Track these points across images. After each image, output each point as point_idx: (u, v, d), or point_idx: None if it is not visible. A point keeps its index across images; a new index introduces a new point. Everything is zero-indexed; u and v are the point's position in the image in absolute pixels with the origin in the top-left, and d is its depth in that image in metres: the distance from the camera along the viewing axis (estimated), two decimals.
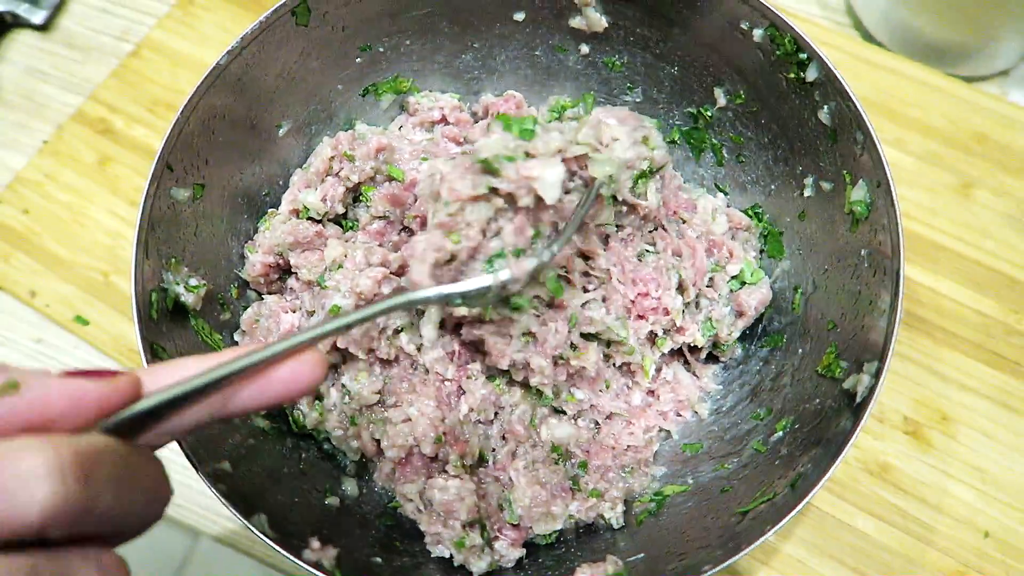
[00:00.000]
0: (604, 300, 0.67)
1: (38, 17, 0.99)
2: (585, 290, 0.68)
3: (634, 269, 0.68)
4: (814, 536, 0.72)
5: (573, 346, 0.64)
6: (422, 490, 0.64)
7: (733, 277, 0.72)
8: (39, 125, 0.94)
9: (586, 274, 0.68)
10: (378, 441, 0.65)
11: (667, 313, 0.68)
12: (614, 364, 0.69)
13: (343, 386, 0.66)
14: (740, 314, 0.71)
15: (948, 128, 0.88)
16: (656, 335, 0.69)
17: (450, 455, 0.63)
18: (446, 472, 0.64)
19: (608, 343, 0.68)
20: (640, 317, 0.68)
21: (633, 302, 0.68)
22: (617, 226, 0.68)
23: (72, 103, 0.95)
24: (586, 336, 0.66)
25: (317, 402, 0.67)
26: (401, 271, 0.67)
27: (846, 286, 0.63)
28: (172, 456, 0.75)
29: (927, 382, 0.77)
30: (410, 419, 0.64)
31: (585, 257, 0.68)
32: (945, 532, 0.71)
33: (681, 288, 0.69)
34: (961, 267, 0.82)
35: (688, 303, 0.70)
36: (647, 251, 0.70)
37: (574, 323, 0.64)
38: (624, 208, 0.68)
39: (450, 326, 0.65)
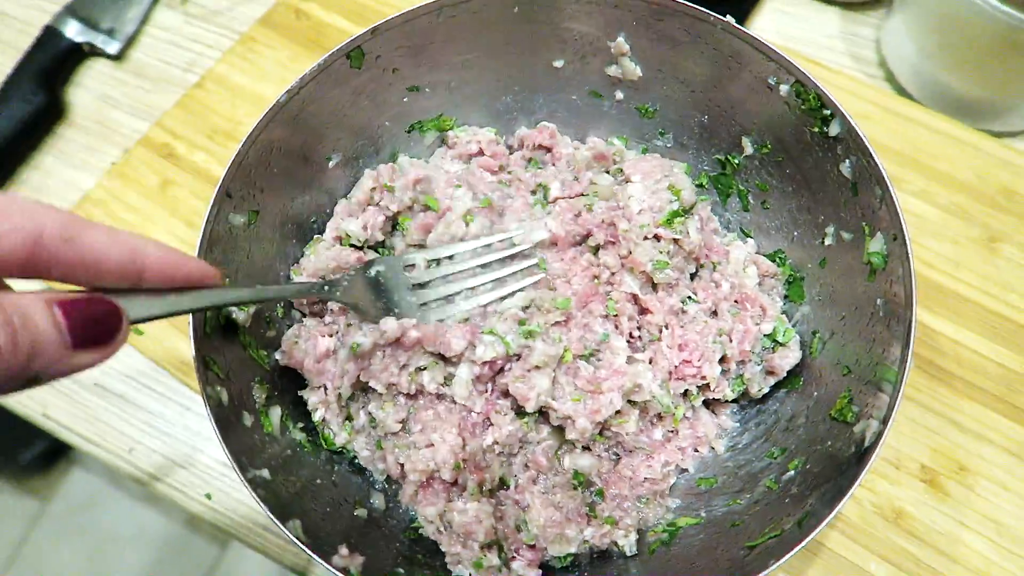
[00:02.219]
0: (650, 362, 0.70)
1: (113, 48, 1.07)
2: (630, 339, 0.71)
3: (683, 333, 0.71)
4: None
5: (617, 411, 0.67)
6: (442, 512, 0.67)
7: (766, 335, 0.73)
8: (108, 148, 1.01)
9: (630, 319, 0.71)
10: (402, 464, 0.68)
11: (704, 378, 0.71)
12: (646, 415, 0.72)
13: (369, 413, 0.70)
14: (771, 373, 0.73)
15: (975, 182, 0.90)
16: (689, 391, 0.72)
17: (468, 481, 0.66)
18: (465, 495, 0.67)
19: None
20: (679, 379, 0.71)
21: (676, 367, 0.71)
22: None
23: (139, 129, 1.02)
24: (630, 402, 0.69)
25: (347, 423, 0.71)
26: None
27: (862, 333, 0.65)
28: (214, 464, 0.80)
29: (945, 432, 0.78)
30: (432, 444, 0.67)
31: (641, 310, 0.71)
32: None
33: (723, 359, 0.72)
34: (983, 319, 0.83)
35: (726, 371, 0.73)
36: (689, 298, 0.73)
37: (628, 392, 0.67)
38: (672, 246, 0.71)
39: (486, 378, 0.68)
